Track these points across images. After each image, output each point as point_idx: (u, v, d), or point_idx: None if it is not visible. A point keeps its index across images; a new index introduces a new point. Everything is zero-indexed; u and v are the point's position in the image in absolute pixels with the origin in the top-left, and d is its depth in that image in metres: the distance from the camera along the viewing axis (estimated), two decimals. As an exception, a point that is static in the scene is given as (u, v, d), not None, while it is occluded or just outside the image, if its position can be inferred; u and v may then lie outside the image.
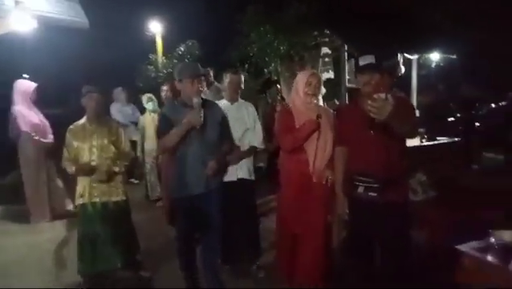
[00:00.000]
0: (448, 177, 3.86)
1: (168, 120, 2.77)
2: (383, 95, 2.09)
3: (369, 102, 2.09)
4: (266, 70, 7.23)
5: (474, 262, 2.22)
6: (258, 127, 3.45)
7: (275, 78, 7.16)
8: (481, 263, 2.19)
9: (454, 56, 7.73)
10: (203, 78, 2.90)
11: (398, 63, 7.14)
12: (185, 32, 11.33)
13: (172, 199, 2.91)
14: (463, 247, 2.29)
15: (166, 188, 3.19)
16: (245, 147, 3.38)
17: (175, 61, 10.72)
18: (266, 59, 6.82)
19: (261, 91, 8.26)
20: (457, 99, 9.11)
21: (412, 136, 2.54)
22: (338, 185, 2.64)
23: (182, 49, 11.04)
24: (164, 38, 11.67)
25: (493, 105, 7.81)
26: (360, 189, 2.43)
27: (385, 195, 2.35)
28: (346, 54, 6.84)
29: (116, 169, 3.17)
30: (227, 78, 3.41)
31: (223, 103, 3.41)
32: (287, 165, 2.91)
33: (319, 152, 2.73)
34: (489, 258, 2.17)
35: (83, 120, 3.20)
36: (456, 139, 4.64)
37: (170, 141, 2.74)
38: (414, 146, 4.30)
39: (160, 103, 5.58)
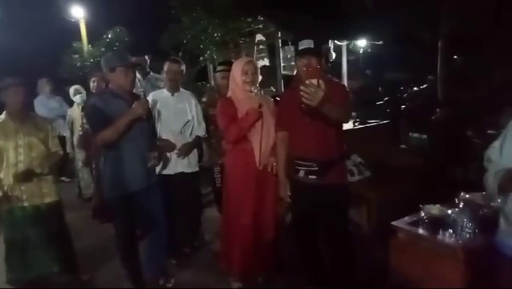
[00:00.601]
0: (380, 158, 4.11)
1: (101, 112, 2.58)
2: (315, 81, 2.11)
3: (301, 88, 2.11)
4: (201, 57, 7.09)
5: (407, 235, 2.40)
6: (201, 117, 3.41)
7: (212, 66, 7.06)
8: (413, 236, 2.36)
9: (380, 42, 8.18)
10: (138, 67, 2.75)
11: (329, 49, 7.40)
12: (112, 17, 10.70)
13: (108, 196, 2.75)
14: (397, 223, 2.45)
15: (100, 184, 3.01)
16: (187, 139, 3.31)
17: (102, 49, 10.11)
18: (201, 46, 6.68)
19: (197, 80, 8.10)
20: (383, 84, 9.70)
21: (346, 121, 2.61)
22: (280, 169, 2.67)
23: (110, 36, 10.44)
24: (88, 25, 10.93)
25: (415, 88, 8.42)
26: (301, 173, 2.49)
27: (325, 177, 2.43)
28: (280, 41, 6.92)
29: (38, 170, 2.88)
30: (166, 66, 3.28)
31: (163, 94, 3.28)
32: (232, 156, 2.89)
33: (264, 140, 2.74)
34: (420, 230, 2.35)
35: (2, 117, 2.89)
36: (385, 121, 4.93)
37: (112, 134, 2.54)
38: (348, 129, 4.49)
39: (90, 95, 5.23)
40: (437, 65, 7.02)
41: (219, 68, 3.63)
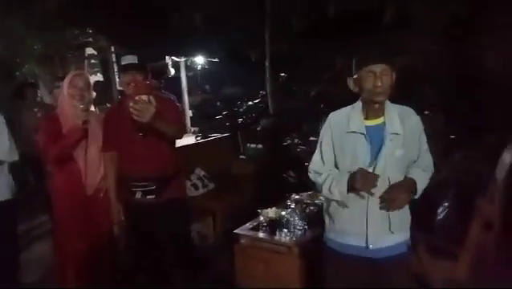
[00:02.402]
0: (222, 169, 4.26)
1: None
2: (145, 97, 2.08)
3: (131, 104, 2.05)
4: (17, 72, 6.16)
5: (249, 240, 2.53)
6: (3, 137, 2.89)
7: (32, 81, 6.20)
8: (254, 240, 2.51)
9: (216, 60, 8.59)
10: None
11: (167, 64, 7.40)
12: None
13: None
14: (239, 230, 2.56)
15: None
16: None
17: None
18: (18, 59, 5.82)
19: (16, 96, 6.98)
20: (222, 99, 10.20)
21: (180, 136, 2.56)
22: (111, 192, 2.48)
23: None
24: None
25: (250, 102, 9.11)
26: (138, 195, 2.36)
27: (164, 195, 2.37)
28: (114, 55, 6.58)
29: None
30: None
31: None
32: (58, 178, 2.58)
33: (90, 161, 2.52)
34: (260, 234, 2.51)
35: None
36: (225, 134, 5.16)
37: None
38: (190, 144, 4.54)
39: None
40: (266, 81, 7.76)
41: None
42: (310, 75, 8.81)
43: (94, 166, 2.54)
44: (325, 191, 1.81)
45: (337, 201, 1.80)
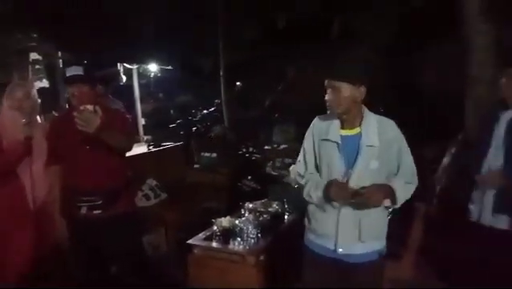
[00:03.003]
0: (176, 179, 4.20)
1: None
2: (90, 107, 2.04)
3: (76, 114, 1.99)
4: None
5: (202, 250, 2.50)
6: None
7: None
8: (208, 250, 2.48)
9: (169, 67, 8.48)
10: None
11: (118, 72, 7.19)
12: None
13: None
14: (192, 240, 2.52)
15: None
16: None
17: None
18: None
19: None
20: (175, 107, 10.06)
21: (129, 148, 2.46)
22: (56, 208, 2.35)
23: None
24: None
25: (205, 111, 9.06)
26: (83, 210, 2.25)
27: (111, 209, 2.28)
28: (61, 61, 6.30)
29: None
30: None
31: None
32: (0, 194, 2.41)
33: (36, 176, 2.40)
34: (214, 244, 2.49)
35: None
36: (178, 143, 5.09)
37: None
38: (143, 153, 4.43)
39: None
40: (221, 90, 7.77)
41: None
42: (265, 85, 8.95)
43: (40, 181, 2.41)
44: (305, 194, 1.88)
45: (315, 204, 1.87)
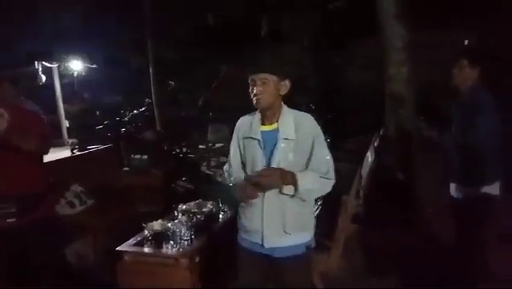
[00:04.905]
0: (104, 184, 3.97)
1: None
2: None
3: None
4: None
5: (133, 256, 2.38)
6: None
7: None
8: (138, 256, 2.37)
9: (94, 66, 8.01)
10: None
11: (37, 71, 6.64)
12: None
13: None
14: (121, 247, 2.39)
15: None
16: None
17: None
18: None
19: None
20: (102, 107, 9.51)
21: (44, 152, 2.34)
22: None
23: None
24: None
25: (135, 111, 8.67)
26: None
27: (27, 217, 2.14)
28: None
29: None
30: None
31: None
32: None
33: None
34: (145, 249, 2.38)
35: None
36: (106, 146, 4.81)
37: None
38: (66, 157, 4.13)
39: None
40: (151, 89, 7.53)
41: None
42: (197, 83, 8.84)
43: None
44: (233, 193, 1.95)
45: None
